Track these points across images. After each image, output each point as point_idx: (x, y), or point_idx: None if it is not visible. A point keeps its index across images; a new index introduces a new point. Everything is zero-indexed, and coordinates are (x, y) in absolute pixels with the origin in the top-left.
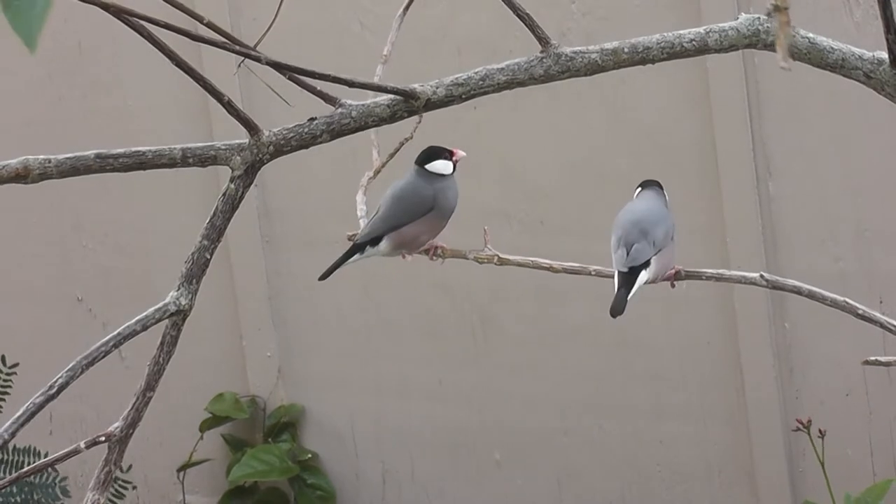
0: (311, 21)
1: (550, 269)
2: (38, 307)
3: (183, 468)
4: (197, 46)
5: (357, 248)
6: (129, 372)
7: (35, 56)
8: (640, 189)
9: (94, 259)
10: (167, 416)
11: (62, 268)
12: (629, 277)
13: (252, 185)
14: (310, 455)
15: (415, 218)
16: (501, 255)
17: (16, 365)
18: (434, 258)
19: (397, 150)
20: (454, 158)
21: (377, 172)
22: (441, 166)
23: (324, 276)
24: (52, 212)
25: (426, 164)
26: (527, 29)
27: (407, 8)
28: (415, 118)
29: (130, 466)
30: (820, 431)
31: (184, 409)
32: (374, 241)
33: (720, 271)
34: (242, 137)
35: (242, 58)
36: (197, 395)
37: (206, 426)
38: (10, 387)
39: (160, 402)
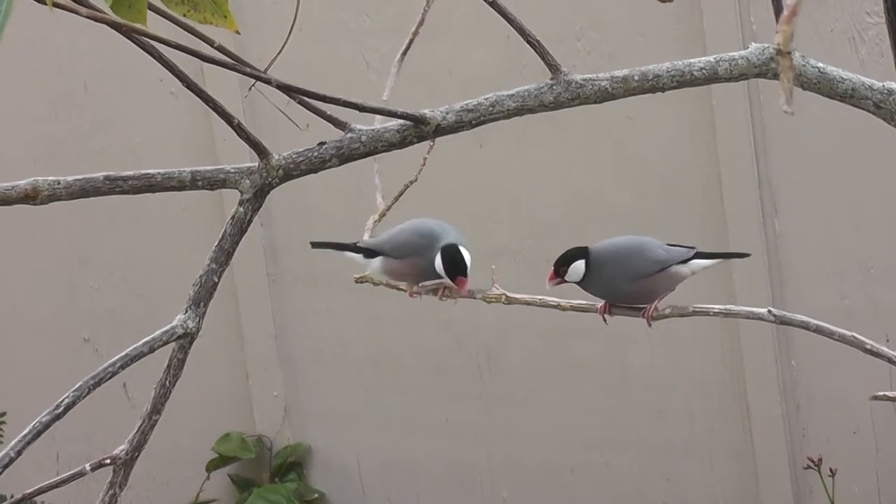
0: (317, 60)
1: (558, 307)
2: (43, 347)
3: None
4: (202, 77)
5: (356, 249)
6: (135, 412)
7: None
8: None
9: (101, 298)
10: (174, 455)
11: (68, 307)
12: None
13: (258, 225)
14: (317, 495)
15: (410, 254)
16: (509, 294)
17: (3, 414)
18: (443, 298)
19: (402, 193)
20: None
21: (382, 216)
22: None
23: (318, 245)
24: (58, 250)
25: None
26: (533, 65)
27: (405, 52)
28: (420, 153)
29: None
30: (831, 470)
31: (190, 449)
32: (370, 252)
33: (728, 307)
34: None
35: (251, 83)
36: (203, 435)
37: (212, 466)
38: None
39: (167, 442)
